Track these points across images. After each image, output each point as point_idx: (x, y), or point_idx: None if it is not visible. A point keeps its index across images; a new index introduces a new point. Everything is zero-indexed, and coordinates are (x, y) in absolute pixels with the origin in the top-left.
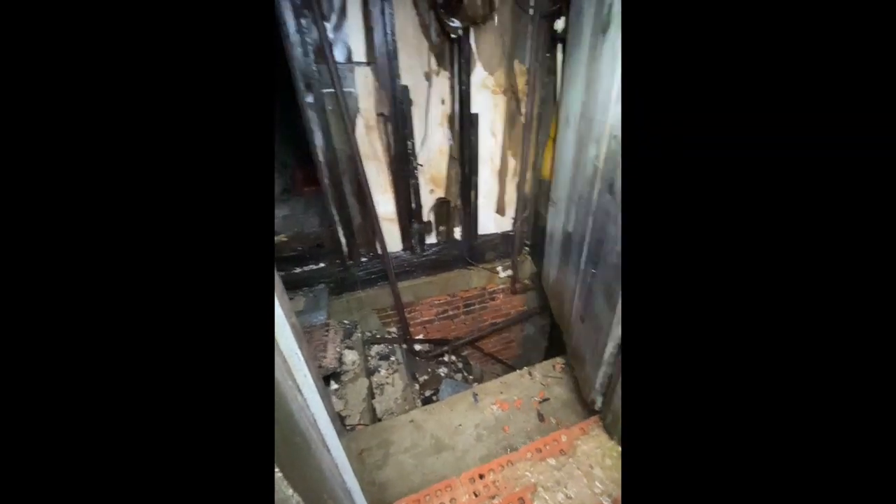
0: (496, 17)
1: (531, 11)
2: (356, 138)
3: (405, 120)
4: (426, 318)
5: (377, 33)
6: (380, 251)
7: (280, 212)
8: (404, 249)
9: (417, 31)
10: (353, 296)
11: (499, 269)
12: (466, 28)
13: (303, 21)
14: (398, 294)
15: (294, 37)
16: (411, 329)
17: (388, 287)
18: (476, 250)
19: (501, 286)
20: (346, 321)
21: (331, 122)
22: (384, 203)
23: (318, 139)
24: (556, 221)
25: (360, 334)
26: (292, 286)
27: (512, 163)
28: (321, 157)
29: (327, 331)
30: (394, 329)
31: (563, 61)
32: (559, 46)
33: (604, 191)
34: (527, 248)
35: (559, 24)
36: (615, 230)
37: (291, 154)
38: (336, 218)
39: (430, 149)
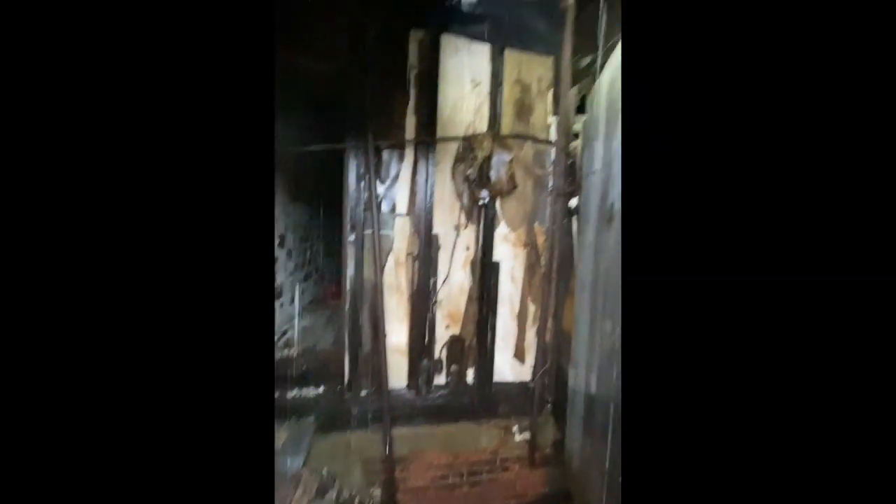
0: (518, 191)
1: (549, 188)
2: (384, 272)
3: (431, 261)
4: (420, 484)
5: (419, 195)
6: (382, 386)
7: (302, 322)
8: (409, 387)
9: (452, 195)
10: (341, 437)
11: (514, 429)
12: (493, 197)
13: (362, 184)
14: (391, 443)
15: (352, 194)
16: (399, 496)
17: (381, 432)
18: (489, 400)
19: (517, 452)
20: (324, 471)
21: (365, 257)
22: (396, 333)
23: (350, 270)
24: (577, 388)
25: (335, 494)
26: (283, 412)
27: (532, 308)
28: (348, 287)
29: (297, 485)
30: (378, 492)
31: (578, 231)
32: (574, 217)
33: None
34: (549, 406)
35: (573, 202)
36: None
37: (334, 269)
38: (346, 343)
39: (450, 286)
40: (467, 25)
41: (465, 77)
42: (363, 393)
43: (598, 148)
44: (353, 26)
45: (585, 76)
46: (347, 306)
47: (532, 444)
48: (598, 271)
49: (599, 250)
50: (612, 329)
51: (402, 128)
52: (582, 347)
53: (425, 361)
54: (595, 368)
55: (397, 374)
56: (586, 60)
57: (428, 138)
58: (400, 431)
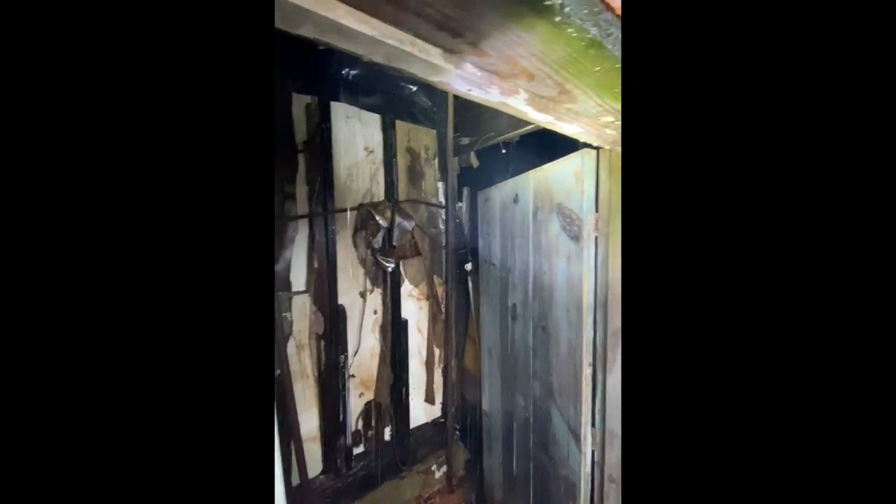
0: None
1: (443, 245)
2: (286, 359)
3: (339, 335)
4: None
5: (319, 267)
6: (295, 482)
7: None
8: (325, 472)
9: (356, 263)
10: None
11: (433, 468)
12: (398, 263)
13: None
14: None
15: None
16: None
17: None
18: (409, 449)
19: (437, 487)
20: None
21: None
22: (307, 420)
23: None
24: (494, 424)
25: None
26: None
27: (437, 352)
28: None
29: None
30: None
31: (477, 302)
32: (469, 278)
33: (539, 447)
34: (457, 434)
35: (468, 266)
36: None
37: None
38: None
39: (362, 354)
40: (358, 96)
41: (359, 144)
42: None
43: (496, 248)
44: None
45: (464, 152)
46: None
47: (448, 475)
48: (507, 350)
49: (506, 332)
50: (524, 404)
51: (293, 198)
52: (494, 397)
53: (341, 440)
54: (511, 418)
55: (311, 463)
56: (465, 140)
57: (327, 208)
58: None
